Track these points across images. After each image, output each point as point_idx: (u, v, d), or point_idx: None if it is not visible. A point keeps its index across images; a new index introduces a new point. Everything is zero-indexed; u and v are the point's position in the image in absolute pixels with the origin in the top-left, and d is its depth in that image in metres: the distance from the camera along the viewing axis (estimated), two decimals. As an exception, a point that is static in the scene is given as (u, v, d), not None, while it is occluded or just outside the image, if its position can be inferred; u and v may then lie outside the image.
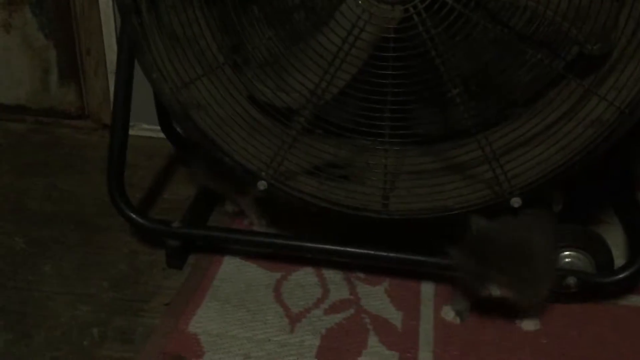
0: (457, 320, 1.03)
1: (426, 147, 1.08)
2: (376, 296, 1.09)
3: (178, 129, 1.36)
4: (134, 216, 1.14)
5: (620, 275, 1.04)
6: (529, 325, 1.02)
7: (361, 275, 1.13)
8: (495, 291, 0.95)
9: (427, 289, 1.10)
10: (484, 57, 0.97)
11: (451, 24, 0.90)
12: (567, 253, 1.05)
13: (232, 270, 1.14)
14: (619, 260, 1.09)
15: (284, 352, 0.98)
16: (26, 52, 1.55)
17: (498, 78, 1.01)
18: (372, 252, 1.08)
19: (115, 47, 1.48)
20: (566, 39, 0.94)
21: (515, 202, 0.99)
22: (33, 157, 1.49)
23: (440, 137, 1.10)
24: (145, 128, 1.53)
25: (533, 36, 0.95)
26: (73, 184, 1.39)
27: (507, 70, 1.00)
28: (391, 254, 1.08)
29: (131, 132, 1.16)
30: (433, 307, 1.07)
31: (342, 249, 1.09)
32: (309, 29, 0.98)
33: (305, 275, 1.13)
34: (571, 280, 1.02)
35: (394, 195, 1.05)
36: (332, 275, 1.13)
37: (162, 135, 1.36)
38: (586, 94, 0.97)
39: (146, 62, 1.02)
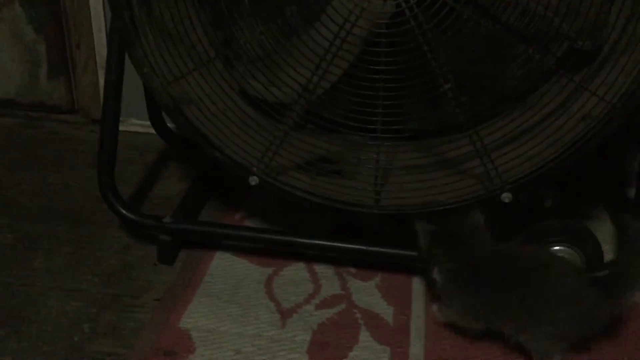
0: None
1: (418, 142, 1.09)
2: (367, 291, 1.09)
3: (168, 124, 1.35)
4: (124, 211, 1.14)
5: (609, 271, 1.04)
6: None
7: (353, 270, 1.13)
8: (437, 275, 0.97)
9: (419, 284, 1.11)
10: (475, 53, 0.97)
11: (443, 19, 0.90)
12: (557, 248, 1.05)
13: (224, 266, 1.13)
14: (609, 255, 1.09)
15: (275, 347, 0.98)
16: (15, 46, 1.54)
17: (489, 73, 1.01)
18: (364, 247, 1.09)
19: (105, 42, 1.48)
20: (557, 34, 0.94)
21: (506, 197, 0.99)
22: (23, 151, 1.48)
23: (432, 133, 1.10)
24: (135, 123, 1.53)
25: (524, 32, 0.95)
26: (63, 179, 1.38)
27: (498, 66, 1.00)
28: (382, 249, 1.08)
29: (121, 127, 1.16)
30: (424, 302, 1.07)
31: (333, 244, 1.10)
32: (301, 24, 0.97)
33: (296, 271, 1.13)
34: (561, 275, 1.03)
35: (385, 190, 1.05)
36: (324, 271, 1.13)
37: (152, 130, 1.35)
38: (577, 90, 0.97)
39: (137, 56, 1.01)
